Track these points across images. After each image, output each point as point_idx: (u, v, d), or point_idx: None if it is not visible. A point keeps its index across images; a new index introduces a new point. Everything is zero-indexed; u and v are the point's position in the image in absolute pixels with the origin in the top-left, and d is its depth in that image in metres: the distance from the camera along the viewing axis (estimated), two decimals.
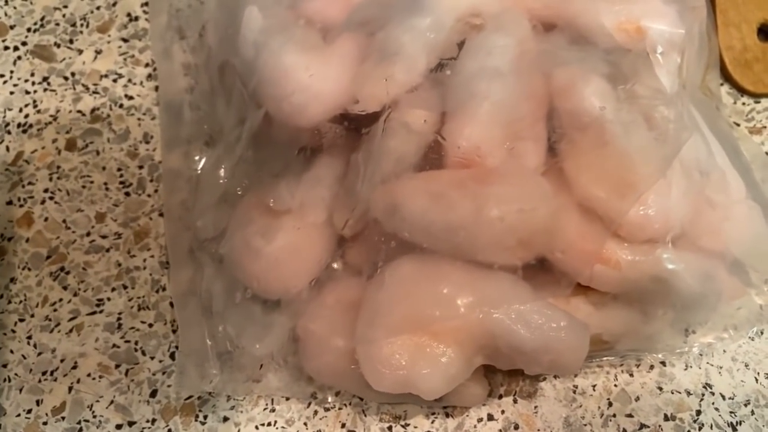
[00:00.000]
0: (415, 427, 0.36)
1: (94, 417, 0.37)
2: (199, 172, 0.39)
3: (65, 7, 0.46)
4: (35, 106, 0.43)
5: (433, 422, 0.36)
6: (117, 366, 0.38)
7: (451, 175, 0.34)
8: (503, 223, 0.31)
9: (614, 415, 0.37)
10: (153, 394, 0.37)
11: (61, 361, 0.38)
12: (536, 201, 0.32)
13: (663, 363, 0.38)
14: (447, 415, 0.36)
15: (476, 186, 0.32)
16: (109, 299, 0.39)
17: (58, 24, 0.46)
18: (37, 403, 0.37)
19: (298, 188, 0.36)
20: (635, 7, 0.36)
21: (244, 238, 0.35)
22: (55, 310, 0.39)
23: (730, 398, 0.37)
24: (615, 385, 0.37)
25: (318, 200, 0.36)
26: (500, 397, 0.37)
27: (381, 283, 0.33)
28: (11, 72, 0.44)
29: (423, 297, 0.32)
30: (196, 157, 0.40)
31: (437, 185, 0.33)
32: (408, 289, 0.32)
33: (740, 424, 0.37)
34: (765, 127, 0.44)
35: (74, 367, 0.38)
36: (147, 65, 0.45)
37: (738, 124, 0.44)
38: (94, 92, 0.44)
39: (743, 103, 0.45)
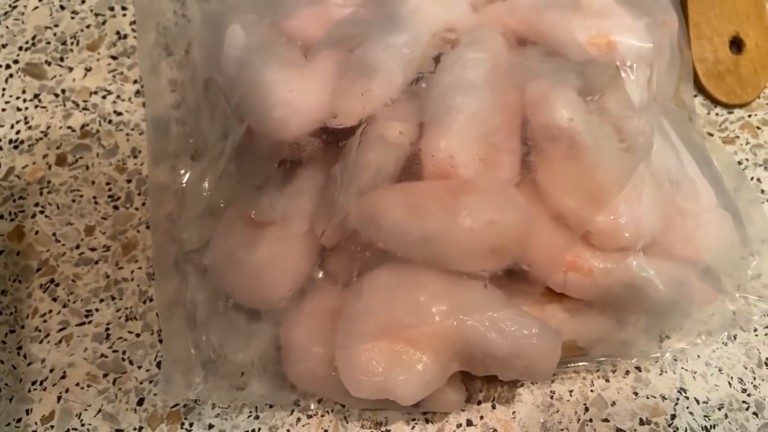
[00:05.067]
0: None
1: (83, 426, 0.37)
2: (185, 185, 0.40)
3: (56, 26, 0.47)
4: (26, 123, 0.44)
5: (413, 428, 0.37)
6: (105, 375, 0.39)
7: (426, 187, 0.35)
8: (475, 233, 0.32)
9: (591, 420, 0.37)
10: (140, 402, 0.38)
11: (51, 371, 0.39)
12: (507, 212, 0.33)
13: (638, 368, 0.39)
14: (427, 421, 0.37)
15: (450, 197, 0.33)
16: (97, 310, 0.40)
17: (49, 42, 0.47)
18: (27, 412, 0.38)
19: (279, 200, 0.37)
20: (606, 21, 0.37)
21: (227, 249, 0.36)
22: (44, 321, 0.40)
23: (704, 402, 0.38)
24: (591, 391, 0.38)
25: (299, 211, 0.37)
26: (479, 402, 0.38)
27: (359, 291, 0.34)
28: (3, 89, 0.45)
29: (399, 305, 0.33)
30: (182, 171, 0.41)
31: (413, 196, 0.34)
32: (385, 297, 0.33)
33: (714, 427, 0.37)
34: (738, 137, 0.45)
35: (63, 377, 0.38)
36: (135, 82, 0.46)
37: (711, 135, 0.45)
38: (84, 108, 0.45)
39: (716, 114, 0.46)
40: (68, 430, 0.37)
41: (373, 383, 0.32)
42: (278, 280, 0.37)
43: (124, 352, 0.39)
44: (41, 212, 0.42)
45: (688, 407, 0.38)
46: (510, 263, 0.34)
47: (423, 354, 0.32)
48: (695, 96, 0.46)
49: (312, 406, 0.38)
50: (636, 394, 0.38)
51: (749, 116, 0.45)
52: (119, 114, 0.45)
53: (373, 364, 0.32)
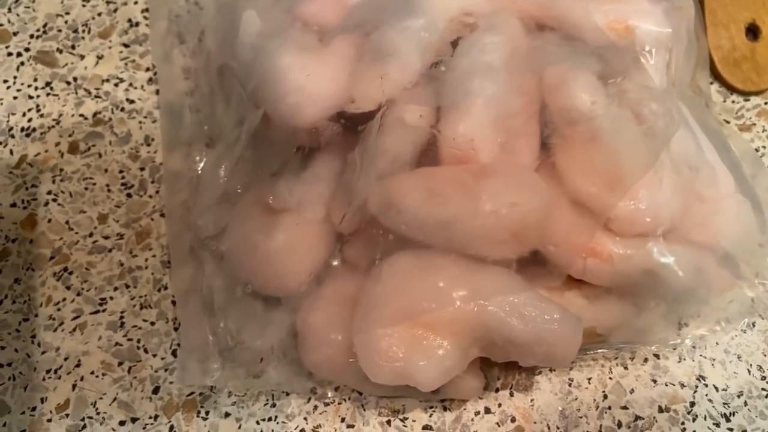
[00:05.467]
0: (414, 421, 0.37)
1: (98, 414, 0.37)
2: (200, 172, 0.40)
3: (67, 13, 0.47)
4: (38, 111, 0.44)
5: (431, 416, 0.37)
6: (120, 363, 0.38)
7: (445, 172, 0.34)
8: (496, 218, 0.32)
9: (609, 408, 0.37)
10: (155, 390, 0.38)
11: (65, 359, 0.38)
12: (528, 196, 0.33)
13: (657, 356, 0.38)
14: (445, 409, 0.37)
15: (470, 181, 0.33)
16: (111, 298, 0.40)
17: (60, 30, 0.46)
18: (42, 400, 0.37)
19: (296, 186, 0.36)
20: (624, 6, 0.37)
21: (244, 235, 0.36)
22: (58, 310, 0.39)
23: (723, 390, 0.38)
24: (610, 378, 0.38)
25: (316, 197, 0.37)
26: (497, 390, 0.37)
27: (378, 277, 0.34)
28: (14, 77, 0.45)
29: (419, 290, 0.33)
30: (197, 158, 0.40)
31: (432, 181, 0.34)
32: (404, 282, 0.33)
33: (733, 415, 0.37)
34: (754, 124, 0.45)
35: (77, 365, 0.38)
36: (147, 69, 0.45)
37: (728, 122, 0.45)
38: (96, 96, 0.45)
39: (733, 101, 0.45)
40: (83, 418, 0.37)
41: (393, 369, 0.32)
42: (296, 267, 0.36)
43: (138, 341, 0.39)
44: (54, 200, 0.42)
45: (707, 395, 0.38)
46: (530, 248, 0.33)
47: (443, 339, 0.32)
48: (711, 83, 0.45)
49: (329, 394, 0.37)
50: (655, 381, 0.38)
51: (766, 103, 0.45)
52: (132, 102, 0.44)
53: (393, 350, 0.32)
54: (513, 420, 0.37)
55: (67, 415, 0.37)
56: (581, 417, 0.37)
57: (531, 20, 0.37)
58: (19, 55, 0.46)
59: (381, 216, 0.34)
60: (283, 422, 0.37)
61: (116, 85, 0.45)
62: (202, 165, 0.40)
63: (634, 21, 0.36)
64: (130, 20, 0.47)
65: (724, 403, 0.37)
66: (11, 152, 0.43)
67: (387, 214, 0.34)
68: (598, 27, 0.35)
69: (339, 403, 0.37)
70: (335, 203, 0.36)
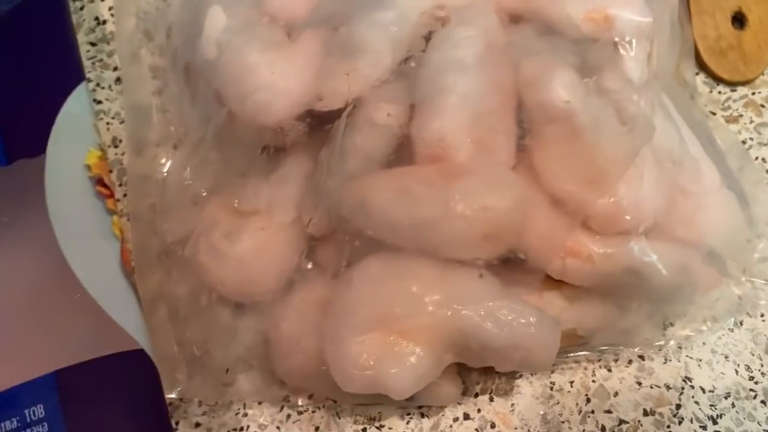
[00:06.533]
0: (390, 428, 0.36)
1: None
2: (166, 174, 0.38)
3: None
4: None
5: (408, 423, 0.36)
6: None
7: (418, 171, 0.33)
8: (468, 219, 0.30)
9: (592, 412, 0.36)
10: None
11: None
12: (502, 196, 0.31)
13: (641, 357, 0.37)
14: (422, 415, 0.36)
15: (443, 181, 0.32)
16: None
17: None
18: None
19: (264, 188, 0.35)
20: None
21: (210, 240, 0.34)
22: None
23: (710, 391, 0.37)
24: (593, 381, 0.37)
25: (285, 200, 0.35)
26: (476, 395, 0.36)
27: (349, 282, 0.32)
28: None
29: (390, 295, 0.31)
30: (163, 160, 0.39)
31: (404, 181, 0.32)
32: (376, 287, 0.32)
33: (721, 417, 0.36)
34: (741, 115, 0.43)
35: None
36: (116, 69, 0.44)
37: (714, 113, 0.43)
38: None
39: (719, 92, 0.44)
40: None
41: (365, 377, 0.31)
42: (265, 272, 0.35)
43: None
44: None
45: (693, 396, 0.36)
46: (506, 250, 0.32)
47: (416, 346, 0.31)
48: (697, 74, 0.44)
49: (302, 402, 0.36)
50: (639, 383, 0.37)
51: (753, 94, 0.44)
52: (99, 102, 0.43)
53: (364, 357, 0.31)
54: (493, 426, 0.36)
55: None
56: (563, 422, 0.36)
57: (508, 12, 0.36)
58: None
59: (351, 218, 0.33)
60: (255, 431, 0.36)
61: None
62: (168, 167, 0.39)
63: (613, 10, 0.35)
64: (96, 18, 0.45)
65: (711, 405, 0.36)
66: None
67: (357, 215, 0.32)
68: (576, 18, 0.34)
69: (313, 412, 0.36)
70: (304, 205, 0.35)
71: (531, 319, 0.31)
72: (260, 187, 0.35)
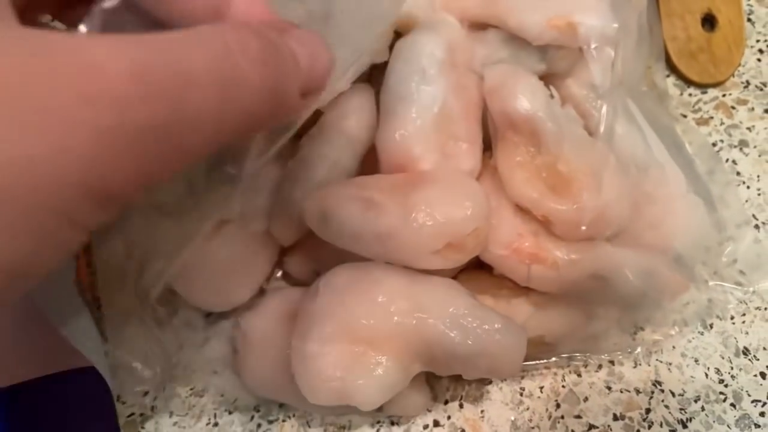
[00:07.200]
0: None
1: None
2: None
3: None
4: None
5: (378, 431, 0.36)
6: None
7: (383, 180, 0.33)
8: (431, 230, 0.30)
9: (562, 417, 0.36)
10: None
11: None
12: (466, 205, 0.31)
13: (611, 362, 0.37)
14: (392, 423, 0.36)
15: (407, 190, 0.32)
16: None
17: None
18: None
19: (236, 196, 0.35)
20: (566, 2, 0.35)
21: None
22: None
23: (679, 395, 0.37)
24: (563, 386, 0.37)
25: (258, 209, 0.35)
26: (446, 402, 0.36)
27: (315, 293, 0.32)
28: None
29: (357, 306, 0.31)
30: None
31: (368, 191, 0.32)
32: (342, 298, 0.32)
33: (690, 420, 0.36)
34: (712, 117, 0.43)
35: None
36: None
37: (685, 116, 0.43)
38: None
39: (690, 94, 0.44)
40: None
41: (331, 389, 0.31)
42: (238, 282, 0.36)
43: None
44: None
45: (663, 400, 0.37)
46: (469, 257, 0.32)
47: (383, 356, 0.31)
48: (667, 76, 0.44)
49: (273, 412, 0.36)
50: (609, 388, 0.37)
51: (723, 96, 0.44)
52: None
53: (330, 369, 0.31)
54: None
55: None
56: (533, 427, 0.36)
57: (472, 20, 0.36)
58: None
59: (316, 229, 0.33)
60: None
61: None
62: None
63: (576, 17, 0.35)
64: None
65: (681, 409, 0.36)
66: None
67: (321, 227, 0.32)
68: (540, 25, 0.34)
69: (283, 421, 0.36)
70: (274, 215, 0.35)
71: (496, 326, 0.31)
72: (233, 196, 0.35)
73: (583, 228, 0.32)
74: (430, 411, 0.36)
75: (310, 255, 0.37)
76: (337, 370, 0.31)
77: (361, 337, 0.31)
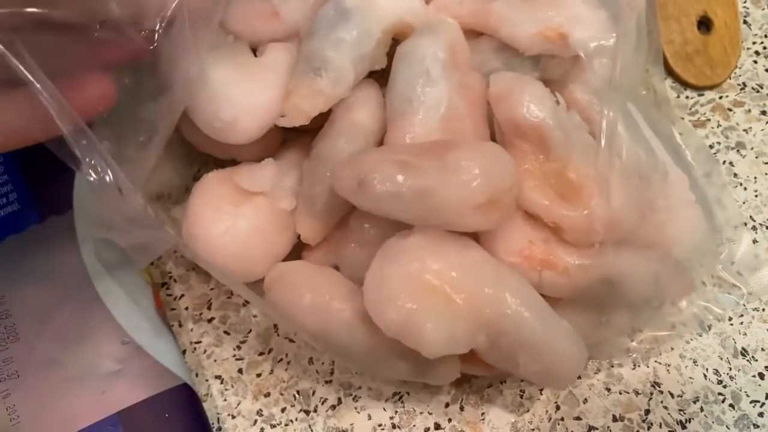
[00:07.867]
0: None
1: None
2: None
3: None
4: None
5: None
6: None
7: (412, 147, 0.33)
8: (473, 181, 0.30)
9: (562, 419, 0.36)
10: None
11: None
12: (499, 162, 0.31)
13: (610, 364, 0.38)
14: (394, 426, 0.36)
15: (441, 152, 0.31)
16: None
17: None
18: None
19: (273, 170, 0.36)
20: (557, 12, 0.35)
21: (208, 213, 0.35)
22: None
23: (678, 396, 0.37)
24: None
25: (286, 188, 0.36)
26: (447, 405, 0.37)
27: (407, 233, 0.32)
28: None
29: (451, 255, 0.31)
30: None
31: (402, 155, 0.31)
32: (438, 243, 0.31)
33: (689, 421, 0.36)
34: (708, 119, 0.44)
35: None
36: None
37: (682, 118, 0.44)
38: None
39: (686, 97, 0.44)
40: None
41: (400, 313, 0.29)
42: (264, 254, 0.36)
43: None
44: None
45: (662, 402, 0.37)
46: (505, 217, 0.32)
47: (460, 312, 0.30)
48: (664, 79, 0.44)
49: (276, 416, 0.36)
50: (608, 390, 0.37)
51: (720, 98, 0.44)
52: None
53: (407, 296, 0.30)
54: None
55: None
56: (533, 429, 0.36)
57: (464, 27, 0.36)
58: None
59: (351, 196, 0.32)
60: None
61: None
62: None
63: (567, 28, 0.34)
64: None
65: (680, 410, 0.37)
66: None
67: (358, 192, 0.31)
68: (531, 36, 0.34)
69: (286, 425, 0.36)
70: (299, 213, 0.36)
71: (568, 328, 0.31)
72: (269, 169, 0.36)
73: (594, 234, 0.32)
74: (431, 414, 0.36)
75: (329, 250, 0.37)
76: (413, 301, 0.30)
77: (446, 285, 0.30)
